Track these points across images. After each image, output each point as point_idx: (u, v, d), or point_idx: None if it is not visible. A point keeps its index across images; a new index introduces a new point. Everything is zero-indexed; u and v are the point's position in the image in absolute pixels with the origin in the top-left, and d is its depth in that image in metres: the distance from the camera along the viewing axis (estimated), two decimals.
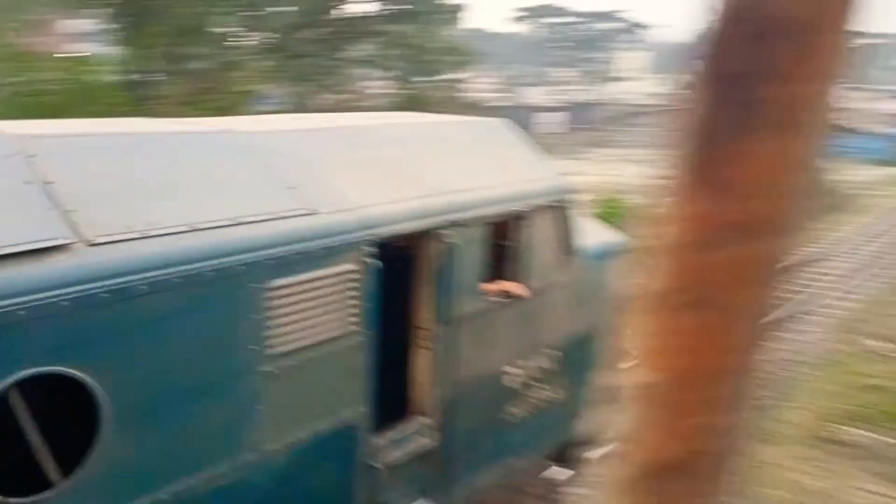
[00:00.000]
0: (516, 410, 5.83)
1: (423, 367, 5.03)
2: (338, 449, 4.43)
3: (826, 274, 16.79)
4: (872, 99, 66.99)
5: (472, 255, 5.16)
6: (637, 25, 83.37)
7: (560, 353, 6.23)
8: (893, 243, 20.09)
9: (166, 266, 3.40)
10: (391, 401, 4.76)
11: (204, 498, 3.69)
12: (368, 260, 4.40)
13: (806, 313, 14.08)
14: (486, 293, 5.40)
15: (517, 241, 5.61)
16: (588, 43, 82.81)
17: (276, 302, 3.89)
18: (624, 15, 79.76)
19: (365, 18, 24.14)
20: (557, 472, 6.86)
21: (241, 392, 3.83)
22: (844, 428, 9.66)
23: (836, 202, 26.32)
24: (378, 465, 4.65)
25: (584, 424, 6.69)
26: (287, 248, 3.93)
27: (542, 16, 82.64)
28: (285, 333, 3.97)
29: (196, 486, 3.65)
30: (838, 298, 15.29)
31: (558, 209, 5.96)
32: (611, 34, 78.07)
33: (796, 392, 10.97)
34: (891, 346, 12.71)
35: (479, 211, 5.18)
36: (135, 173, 3.78)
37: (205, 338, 3.69)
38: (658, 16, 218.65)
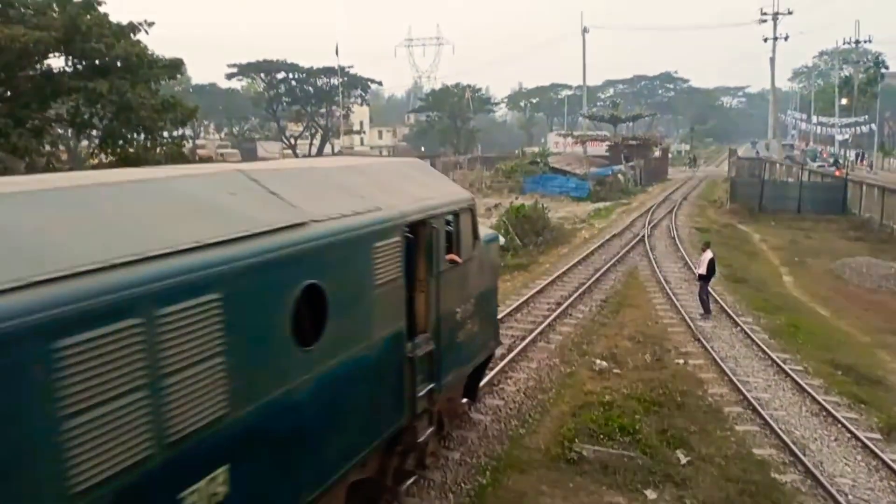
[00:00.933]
0: (462, 335, 9.23)
1: (422, 302, 8.11)
2: (396, 345, 7.40)
3: (549, 300, 18.36)
4: (574, 143, 75.82)
5: (441, 236, 8.38)
6: (361, 81, 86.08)
7: (474, 301, 9.60)
8: (597, 269, 22.47)
9: (344, 233, 6.32)
10: (409, 321, 7.82)
11: (365, 356, 6.74)
12: (404, 235, 7.43)
13: (537, 338, 15.17)
14: (447, 260, 8.56)
15: (454, 230, 8.84)
16: (316, 97, 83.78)
17: (377, 255, 6.83)
18: (349, 70, 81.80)
19: (63, 75, 22.02)
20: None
21: (370, 301, 6.79)
22: (585, 446, 10.35)
23: (553, 236, 29.07)
24: (412, 357, 7.70)
25: (489, 349, 10.91)
26: (379, 225, 6.91)
27: (261, 71, 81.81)
28: (379, 273, 6.87)
29: (363, 348, 6.71)
30: (562, 323, 16.68)
31: (469, 211, 9.35)
32: (335, 89, 79.69)
33: (536, 416, 11.59)
34: (608, 364, 14.05)
35: (440, 210, 8.39)
36: (316, 186, 7.05)
37: (359, 269, 6.62)
38: (378, 73, 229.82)
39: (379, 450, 7.51)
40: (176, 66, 24.85)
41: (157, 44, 24.51)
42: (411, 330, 7.80)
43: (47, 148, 22.90)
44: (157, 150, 22.88)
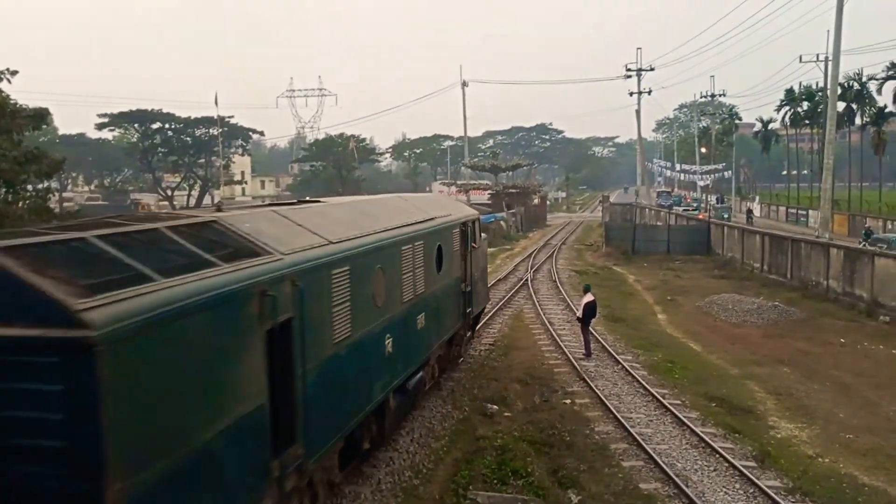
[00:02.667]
0: (478, 288, 16.89)
1: (465, 266, 15.48)
2: (459, 283, 15.01)
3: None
4: (458, 192, 77.28)
5: (470, 231, 15.84)
6: (242, 130, 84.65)
7: (480, 272, 17.25)
8: (486, 313, 22.82)
9: (446, 223, 14.36)
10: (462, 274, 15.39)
11: (452, 284, 14.47)
12: (457, 230, 14.95)
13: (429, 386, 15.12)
14: (472, 245, 15.97)
15: (473, 230, 16.18)
16: (194, 147, 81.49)
17: (453, 236, 14.56)
18: (229, 120, 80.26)
19: None
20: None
21: (453, 258, 14.37)
22: (480, 493, 10.31)
23: None
24: (464, 291, 15.34)
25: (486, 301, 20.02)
26: (452, 222, 14.72)
27: (135, 121, 78.84)
28: (455, 245, 14.76)
29: (452, 280, 14.44)
30: (457, 368, 16.72)
31: (478, 220, 17.27)
32: (215, 139, 77.89)
33: (430, 465, 11.47)
34: (499, 407, 14.17)
35: (468, 218, 16.06)
36: (427, 204, 14.87)
37: (448, 241, 14.19)
38: (259, 123, 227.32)
39: (450, 335, 14.87)
40: (41, 117, 23.66)
41: (23, 95, 23.19)
42: (463, 278, 15.44)
43: None
44: (20, 203, 21.54)
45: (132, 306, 5.11)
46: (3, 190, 21.89)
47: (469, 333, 17.13)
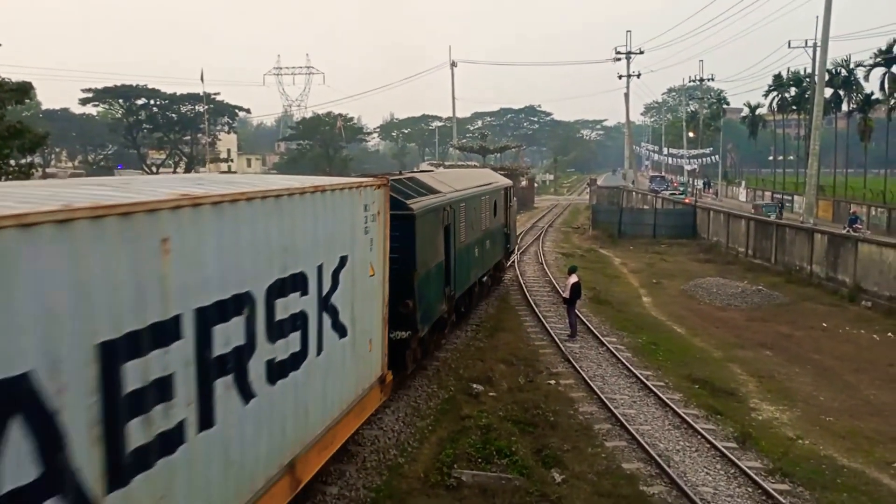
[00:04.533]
0: (512, 232, 27.13)
1: (506, 218, 24.60)
2: (503, 227, 23.90)
3: None
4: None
5: (509, 194, 25.43)
6: (228, 108, 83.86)
7: (513, 221, 27.36)
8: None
9: (499, 187, 23.40)
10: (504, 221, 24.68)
11: (500, 226, 23.50)
12: (502, 192, 23.65)
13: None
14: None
15: (508, 194, 25.10)
16: (179, 124, 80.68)
17: (501, 196, 23.41)
18: (215, 97, 79.41)
19: None
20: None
21: (502, 210, 23.51)
22: (464, 471, 10.37)
23: None
24: (505, 233, 24.45)
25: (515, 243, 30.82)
26: (499, 187, 23.44)
27: (119, 97, 77.82)
28: (502, 202, 23.68)
29: (500, 225, 23.40)
30: (442, 350, 16.77)
31: (512, 186, 26.93)
32: (200, 116, 77.13)
33: (415, 444, 11.53)
34: (484, 387, 14.23)
35: (504, 186, 24.70)
36: (482, 176, 24.11)
37: (498, 200, 22.82)
38: (246, 101, 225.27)
39: (499, 258, 23.59)
40: (24, 91, 23.33)
41: (4, 69, 22.87)
42: (505, 224, 23.78)
43: None
44: (3, 178, 21.27)
45: (421, 204, 13.50)
46: None
47: (506, 263, 27.11)
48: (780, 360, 17.39)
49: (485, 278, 20.82)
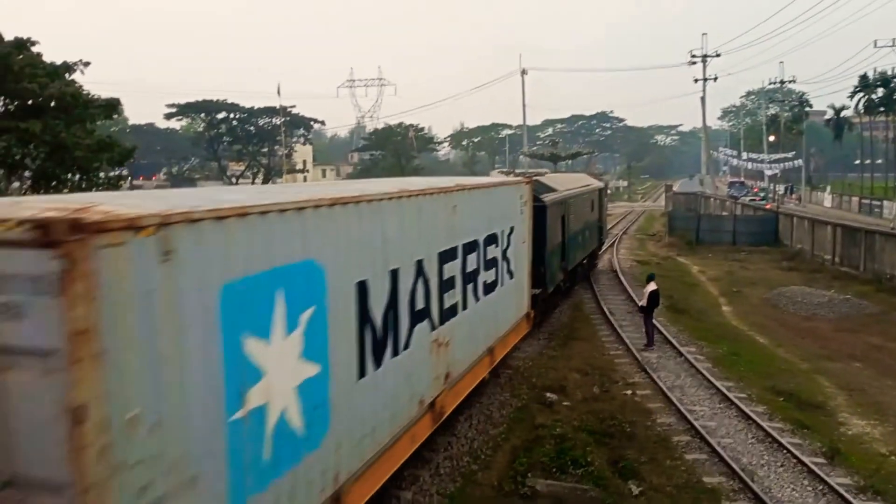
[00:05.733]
0: (605, 230, 35.76)
1: (600, 214, 30.87)
2: (599, 221, 30.18)
3: None
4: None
5: (601, 194, 31.94)
6: (303, 120, 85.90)
7: (601, 218, 31.18)
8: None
9: (597, 189, 30.53)
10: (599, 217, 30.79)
11: (596, 220, 29.19)
12: (597, 192, 29.67)
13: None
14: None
15: (602, 193, 32.45)
16: (257, 136, 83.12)
17: (599, 196, 30.54)
18: (291, 110, 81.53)
19: None
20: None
21: (599, 207, 29.99)
22: (539, 480, 10.26)
23: None
24: (599, 226, 30.57)
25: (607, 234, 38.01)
26: (592, 188, 28.37)
27: (201, 111, 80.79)
28: (597, 200, 29.93)
29: (596, 220, 28.82)
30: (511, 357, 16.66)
31: (604, 188, 35.41)
32: (277, 128, 79.30)
33: (488, 452, 11.47)
34: (557, 396, 14.05)
35: (599, 187, 31.31)
36: (585, 179, 32.36)
37: (595, 199, 28.59)
38: (320, 112, 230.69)
39: (595, 247, 29.46)
40: (112, 106, 24.43)
41: (93, 85, 24.07)
42: (599, 219, 29.60)
43: None
44: (93, 190, 22.30)
45: (549, 198, 18.28)
46: (78, 177, 22.75)
47: (600, 251, 33.08)
48: (872, 372, 16.56)
49: (585, 261, 26.35)
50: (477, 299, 11.64)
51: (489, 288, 12.36)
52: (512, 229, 13.88)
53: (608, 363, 16.53)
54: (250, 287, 5.56)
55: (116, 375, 4.21)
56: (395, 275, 8.34)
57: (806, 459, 11.17)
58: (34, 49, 22.13)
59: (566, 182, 23.17)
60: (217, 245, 5.20)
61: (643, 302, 18.38)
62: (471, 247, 11.26)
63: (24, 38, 21.99)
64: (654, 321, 18.58)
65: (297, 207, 6.28)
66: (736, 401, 13.79)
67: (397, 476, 9.20)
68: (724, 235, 40.74)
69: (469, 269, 11.15)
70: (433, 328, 9.65)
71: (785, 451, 11.59)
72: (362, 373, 7.56)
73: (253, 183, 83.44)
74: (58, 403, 4.04)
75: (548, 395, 14.05)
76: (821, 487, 10.40)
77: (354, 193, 7.55)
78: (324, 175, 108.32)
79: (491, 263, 12.45)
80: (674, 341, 18.29)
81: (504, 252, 13.37)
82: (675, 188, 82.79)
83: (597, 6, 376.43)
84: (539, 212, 16.83)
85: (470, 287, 11.24)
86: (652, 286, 18.19)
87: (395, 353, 8.38)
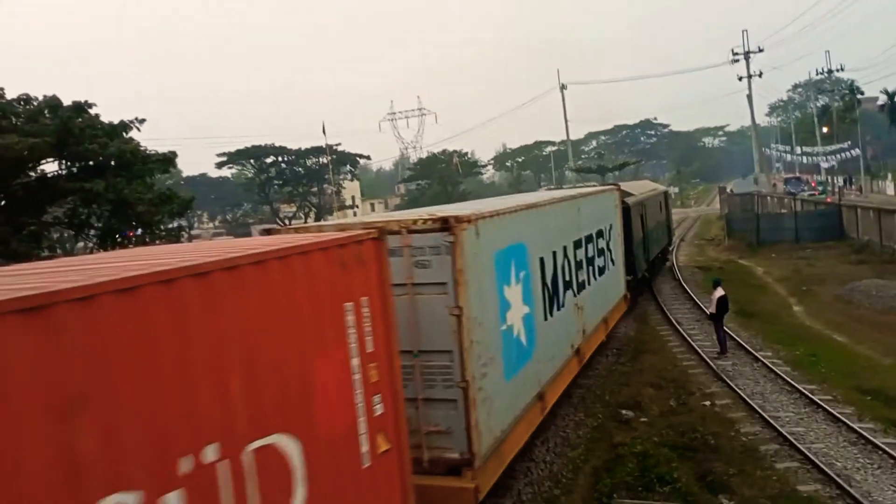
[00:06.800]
0: (673, 230, 39.95)
1: (667, 215, 33.95)
2: (667, 220, 33.92)
3: None
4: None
5: (667, 197, 35.76)
6: (349, 157, 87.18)
7: (668, 219, 34.66)
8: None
9: (664, 192, 35.70)
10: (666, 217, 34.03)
11: (666, 218, 33.51)
12: (664, 195, 33.68)
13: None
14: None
15: (668, 197, 36.29)
16: (306, 177, 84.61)
17: (664, 199, 33.86)
18: (337, 147, 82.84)
19: (58, 178, 22.18)
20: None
21: (666, 209, 34.11)
22: (625, 501, 10.00)
23: None
24: (668, 226, 34.82)
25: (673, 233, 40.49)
26: (660, 192, 33.05)
27: (251, 157, 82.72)
28: (664, 202, 33.12)
29: (665, 219, 32.84)
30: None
31: (668, 192, 38.56)
32: (325, 167, 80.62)
33: (569, 475, 11.24)
34: (634, 413, 13.74)
35: (664, 190, 35.48)
36: (651, 186, 34.87)
37: (662, 200, 32.40)
38: (365, 147, 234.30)
39: (665, 245, 32.06)
40: (169, 160, 25.18)
41: (147, 141, 24.93)
42: (667, 221, 33.00)
43: (45, 252, 22.95)
44: (156, 242, 22.96)
45: (631, 200, 21.63)
46: (140, 230, 23.45)
47: (669, 252, 35.62)
48: None
49: (659, 255, 29.73)
50: (595, 278, 15.47)
51: (601, 271, 16.25)
52: (611, 226, 17.85)
53: (682, 374, 16.12)
54: (503, 254, 9.65)
55: (468, 295, 8.28)
56: (554, 255, 12.26)
57: None
58: (92, 111, 23.03)
59: (638, 188, 26.65)
60: (492, 230, 9.33)
61: (712, 309, 17.92)
62: (589, 238, 15.10)
63: (83, 101, 22.92)
64: (724, 327, 18.09)
65: (517, 210, 10.66)
66: (822, 403, 13.28)
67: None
68: (786, 233, 39.62)
69: (589, 255, 15.03)
70: (575, 295, 13.45)
71: (880, 452, 11.09)
72: (545, 317, 11.44)
73: (305, 223, 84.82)
74: (447, 309, 8.18)
75: (623, 412, 13.75)
76: None
77: (533, 202, 11.85)
78: (373, 209, 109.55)
79: (601, 252, 16.36)
80: (748, 346, 17.77)
81: (608, 244, 17.24)
82: (728, 189, 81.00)
83: (631, 16, 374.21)
84: (625, 212, 20.18)
85: (590, 269, 15.11)
86: (720, 291, 17.74)
87: (559, 308, 12.25)
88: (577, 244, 13.95)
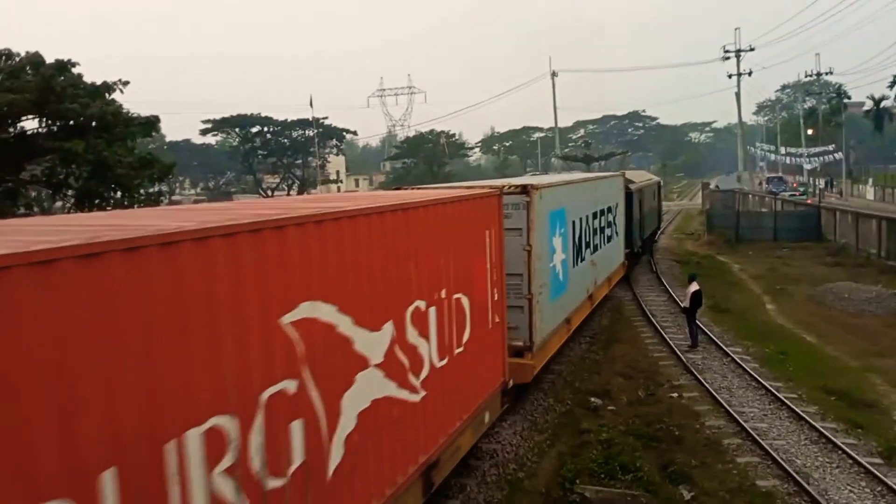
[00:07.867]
0: (662, 216, 44.69)
1: (658, 203, 38.00)
2: (658, 207, 38.87)
3: None
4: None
5: (659, 187, 39.47)
6: (336, 131, 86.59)
7: (659, 206, 39.27)
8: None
9: (657, 183, 39.62)
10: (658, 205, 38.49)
11: (657, 206, 37.95)
12: (656, 185, 37.02)
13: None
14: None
15: (659, 186, 39.18)
16: (291, 149, 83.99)
17: (657, 189, 37.95)
18: (323, 121, 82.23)
19: (37, 136, 21.81)
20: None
21: (658, 198, 39.30)
22: (587, 487, 10.12)
23: None
24: (658, 212, 39.47)
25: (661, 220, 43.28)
26: (653, 182, 36.20)
27: (236, 126, 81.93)
28: (657, 191, 37.42)
29: (655, 206, 36.91)
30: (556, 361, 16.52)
31: (661, 182, 42.07)
32: (311, 140, 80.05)
33: (534, 459, 11.36)
34: (602, 401, 13.89)
35: (657, 181, 38.34)
36: (647, 175, 39.91)
37: (655, 190, 36.25)
38: (352, 123, 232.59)
39: (653, 230, 35.13)
40: (152, 124, 24.85)
41: (131, 103, 24.53)
42: (657, 208, 37.17)
43: (21, 210, 22.65)
44: (135, 206, 22.71)
45: (633, 186, 25.40)
46: (119, 194, 23.18)
47: (657, 235, 39.05)
48: None
49: (650, 235, 33.27)
50: (604, 244, 19.29)
51: (608, 239, 19.99)
52: (617, 205, 21.67)
53: (652, 366, 16.30)
54: (553, 214, 13.54)
55: (534, 238, 12.30)
56: (581, 220, 16.16)
57: (862, 460, 10.88)
58: (75, 70, 22.65)
59: (637, 177, 30.42)
60: (549, 196, 13.20)
61: (686, 303, 18.10)
62: (602, 212, 18.90)
63: (66, 59, 22.53)
64: (697, 322, 18.29)
65: (562, 184, 15.37)
66: (786, 401, 13.49)
67: (446, 484, 9.34)
68: (765, 232, 39.98)
69: (601, 225, 18.75)
70: (592, 253, 17.38)
71: (840, 452, 11.30)
72: (573, 265, 15.43)
73: (288, 195, 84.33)
74: (522, 246, 12.23)
75: (592, 399, 13.89)
76: (879, 489, 10.11)
77: (570, 179, 17.35)
78: (357, 185, 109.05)
79: (609, 224, 20.14)
80: (718, 341, 17.99)
81: (614, 218, 20.99)
82: (712, 185, 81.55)
83: (625, 6, 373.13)
84: (628, 196, 23.82)
85: (601, 236, 18.85)
86: (694, 286, 17.92)
87: (581, 261, 16.29)
88: (594, 215, 17.81)
